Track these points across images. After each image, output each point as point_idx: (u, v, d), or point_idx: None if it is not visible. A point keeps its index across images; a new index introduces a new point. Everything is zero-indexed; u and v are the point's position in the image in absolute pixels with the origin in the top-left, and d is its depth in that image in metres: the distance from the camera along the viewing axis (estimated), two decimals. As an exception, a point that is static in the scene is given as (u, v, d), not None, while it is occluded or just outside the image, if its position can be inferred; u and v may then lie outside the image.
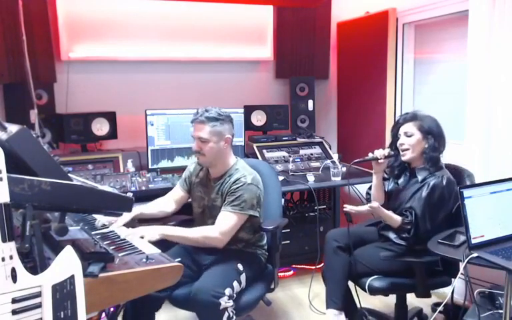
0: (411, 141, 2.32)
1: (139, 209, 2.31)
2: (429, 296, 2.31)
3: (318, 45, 3.99)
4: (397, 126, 2.43)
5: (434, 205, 2.22)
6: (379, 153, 2.38)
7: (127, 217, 2.17)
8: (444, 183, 2.23)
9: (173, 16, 3.61)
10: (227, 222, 2.15)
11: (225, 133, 2.21)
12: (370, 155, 2.39)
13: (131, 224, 2.15)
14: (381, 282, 2.29)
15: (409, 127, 2.33)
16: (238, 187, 2.17)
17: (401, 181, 2.45)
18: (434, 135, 2.31)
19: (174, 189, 2.49)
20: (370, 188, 2.62)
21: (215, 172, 2.30)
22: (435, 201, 2.22)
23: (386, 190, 2.50)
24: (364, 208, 2.31)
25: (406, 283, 2.30)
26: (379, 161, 2.37)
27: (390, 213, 2.28)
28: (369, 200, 2.59)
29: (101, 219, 2.04)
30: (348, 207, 2.33)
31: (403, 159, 2.35)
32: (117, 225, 2.05)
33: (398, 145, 2.37)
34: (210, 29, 3.73)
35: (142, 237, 1.86)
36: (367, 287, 2.29)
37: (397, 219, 2.26)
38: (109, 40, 3.46)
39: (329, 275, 2.40)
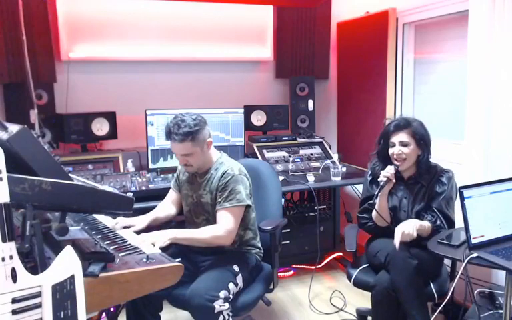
0: (407, 151, 2.27)
1: (154, 214, 2.32)
2: None
3: (318, 45, 3.99)
4: (387, 134, 2.34)
5: (451, 196, 2.27)
6: (388, 173, 2.28)
7: (141, 223, 2.19)
8: (450, 174, 2.31)
9: (173, 16, 3.61)
10: (228, 219, 2.15)
11: (206, 138, 2.21)
12: (382, 178, 2.29)
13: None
14: (438, 286, 2.22)
15: (404, 136, 2.28)
16: (228, 181, 2.17)
17: (396, 192, 2.37)
18: (425, 142, 2.30)
19: (169, 191, 2.49)
20: (361, 212, 2.47)
21: (201, 169, 2.30)
22: (451, 192, 2.27)
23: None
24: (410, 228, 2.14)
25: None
26: (393, 180, 2.30)
27: (422, 222, 2.20)
28: (363, 223, 2.46)
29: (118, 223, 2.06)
30: (406, 232, 2.12)
31: (400, 168, 2.31)
32: (132, 229, 2.07)
33: (392, 154, 2.31)
34: (210, 29, 3.73)
35: (153, 244, 1.83)
36: (435, 294, 2.19)
37: (426, 225, 2.20)
38: (109, 40, 3.46)
39: (418, 299, 2.09)
